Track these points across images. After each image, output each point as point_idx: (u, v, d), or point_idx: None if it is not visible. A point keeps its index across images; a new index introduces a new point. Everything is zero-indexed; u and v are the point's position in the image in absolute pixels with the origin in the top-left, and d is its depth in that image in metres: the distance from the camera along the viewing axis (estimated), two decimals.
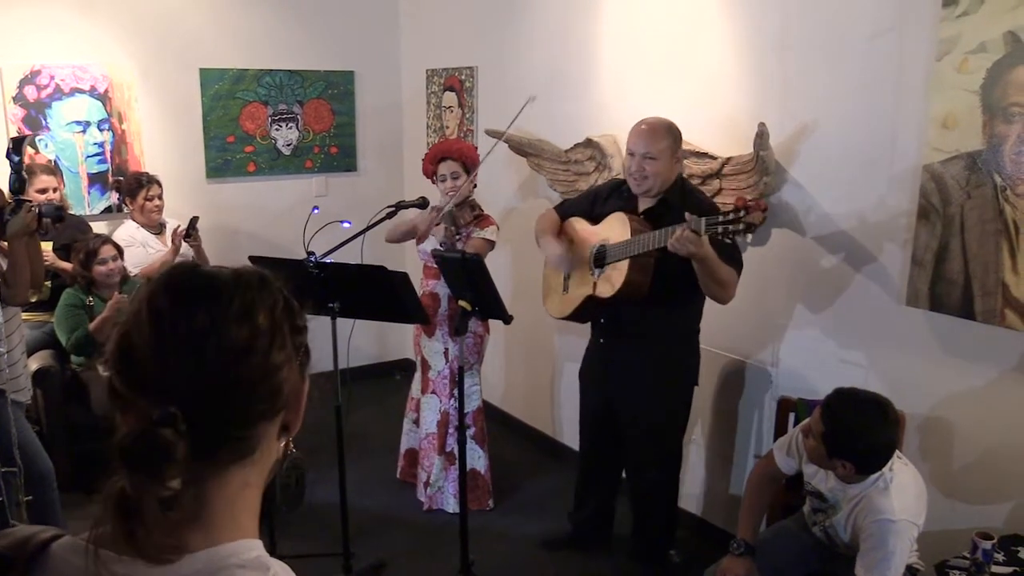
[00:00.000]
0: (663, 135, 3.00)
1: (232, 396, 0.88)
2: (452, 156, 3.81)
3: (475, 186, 3.91)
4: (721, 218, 2.66)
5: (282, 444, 0.98)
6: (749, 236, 2.63)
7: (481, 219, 3.85)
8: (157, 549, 0.86)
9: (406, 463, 4.26)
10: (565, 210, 3.43)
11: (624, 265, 2.98)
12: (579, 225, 3.30)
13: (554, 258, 3.29)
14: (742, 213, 2.61)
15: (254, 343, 0.89)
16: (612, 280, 3.03)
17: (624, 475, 3.55)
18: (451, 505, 3.97)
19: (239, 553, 0.90)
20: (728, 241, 2.71)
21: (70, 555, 0.92)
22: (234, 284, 0.92)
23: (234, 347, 0.88)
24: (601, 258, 3.10)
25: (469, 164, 3.82)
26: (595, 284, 3.12)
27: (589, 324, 3.41)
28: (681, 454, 3.39)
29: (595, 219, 3.24)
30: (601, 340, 3.33)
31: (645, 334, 3.16)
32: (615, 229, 3.07)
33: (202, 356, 0.86)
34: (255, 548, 0.93)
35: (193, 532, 0.90)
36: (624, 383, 3.25)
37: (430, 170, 3.86)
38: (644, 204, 3.11)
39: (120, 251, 4.11)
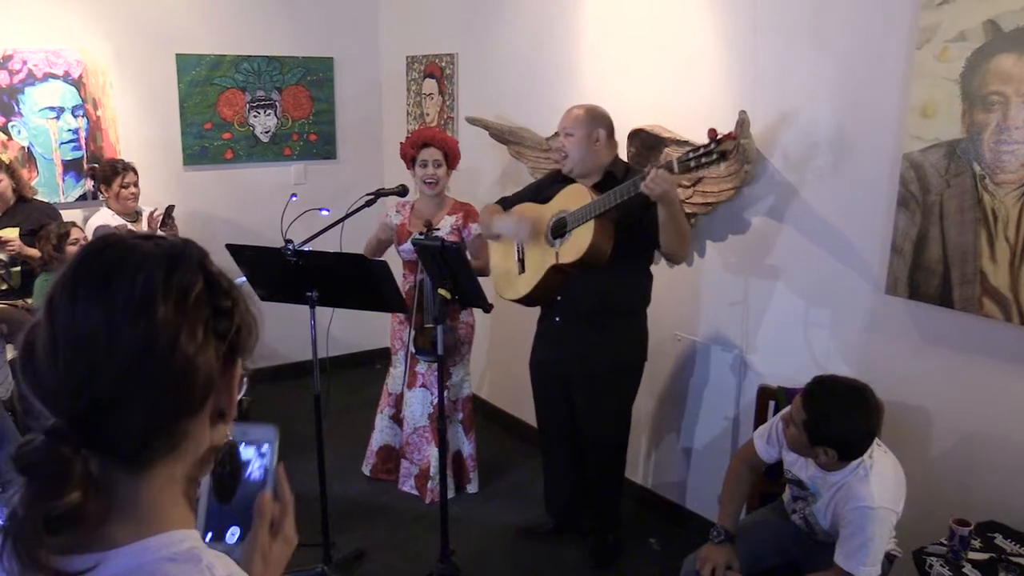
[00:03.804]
0: (580, 114, 3.16)
1: (137, 401, 0.82)
2: (436, 144, 3.78)
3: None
4: (692, 153, 2.76)
5: (219, 430, 0.93)
6: (722, 165, 2.80)
7: (459, 208, 3.86)
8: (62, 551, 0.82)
9: (379, 460, 4.16)
10: (509, 202, 3.46)
11: (589, 226, 3.00)
12: (526, 207, 3.32)
13: (510, 226, 3.23)
14: (713, 145, 2.72)
15: (153, 343, 0.81)
16: (577, 244, 3.05)
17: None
18: (450, 489, 3.95)
19: (170, 545, 0.87)
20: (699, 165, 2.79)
21: None
22: (136, 270, 0.84)
23: (129, 349, 0.81)
24: (561, 227, 3.12)
25: (451, 156, 3.81)
26: (557, 254, 3.13)
27: (538, 315, 3.44)
28: (630, 428, 3.48)
29: (542, 204, 3.29)
30: (557, 319, 3.33)
31: (601, 310, 3.20)
32: (572, 198, 3.12)
33: (95, 363, 0.80)
34: (187, 539, 0.89)
35: (117, 527, 0.86)
36: (583, 361, 3.29)
37: (410, 154, 3.82)
38: (590, 183, 3.18)
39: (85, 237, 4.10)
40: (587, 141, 3.14)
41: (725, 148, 2.72)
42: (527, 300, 3.30)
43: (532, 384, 3.62)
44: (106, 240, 0.88)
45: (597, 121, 3.15)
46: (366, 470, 4.19)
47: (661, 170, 2.77)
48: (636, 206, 2.95)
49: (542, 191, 3.34)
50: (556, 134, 3.24)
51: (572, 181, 3.21)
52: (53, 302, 0.84)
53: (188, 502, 0.93)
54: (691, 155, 2.76)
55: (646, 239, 3.09)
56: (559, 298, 3.27)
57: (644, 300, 3.32)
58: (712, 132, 2.75)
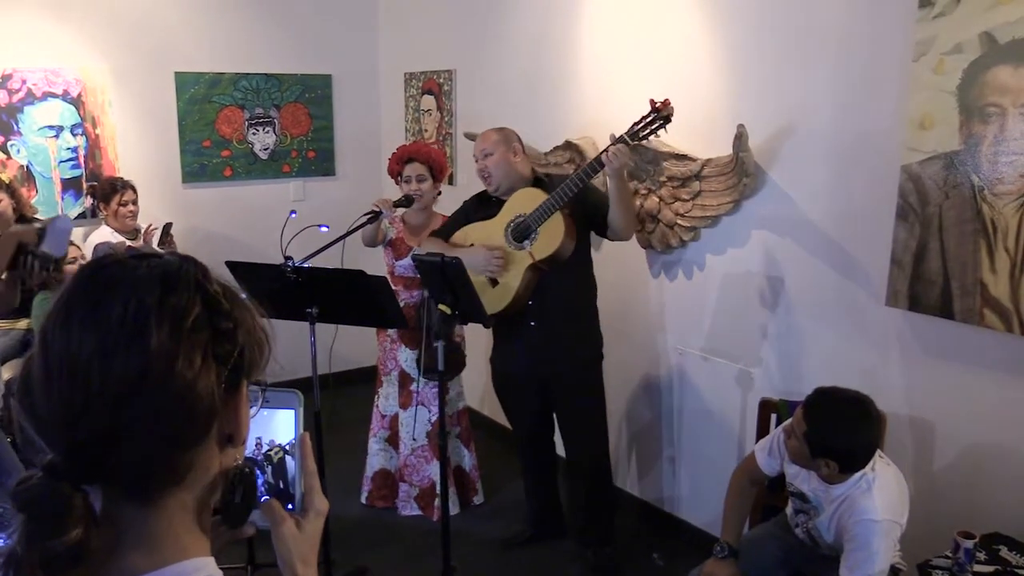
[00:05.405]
0: (491, 133, 3.37)
1: (135, 432, 0.80)
2: (419, 158, 3.78)
3: (439, 192, 3.90)
4: (638, 125, 2.99)
5: (228, 454, 0.90)
6: (665, 130, 3.00)
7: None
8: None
9: (375, 487, 4.08)
10: (444, 232, 3.51)
11: (557, 218, 3.13)
12: (472, 228, 3.41)
13: (479, 261, 3.25)
14: (653, 114, 2.95)
15: (149, 371, 0.78)
16: (550, 238, 3.15)
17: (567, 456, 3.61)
18: (455, 505, 3.96)
19: (186, 574, 0.85)
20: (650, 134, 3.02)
21: None
22: (129, 294, 0.81)
23: (124, 378, 0.78)
24: (524, 229, 3.21)
25: (437, 169, 3.80)
26: (531, 253, 3.20)
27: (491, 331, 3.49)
28: (607, 428, 3.57)
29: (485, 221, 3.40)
30: (532, 323, 3.35)
31: (570, 309, 3.33)
32: (526, 202, 3.23)
33: (89, 393, 0.78)
34: (203, 567, 0.87)
35: (130, 557, 0.84)
36: (563, 361, 3.36)
37: (395, 170, 3.82)
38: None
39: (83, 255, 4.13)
40: (508, 155, 3.31)
41: (668, 113, 2.94)
42: (508, 310, 3.30)
43: (501, 399, 3.67)
44: (100, 262, 0.85)
45: (511, 138, 3.36)
46: (362, 498, 4.10)
47: (619, 145, 2.96)
48: (583, 199, 3.12)
49: (473, 214, 3.44)
50: (476, 160, 3.39)
51: (499, 202, 3.31)
52: (47, 331, 0.81)
53: (203, 528, 0.90)
54: (638, 127, 2.99)
55: (589, 240, 3.29)
56: (530, 303, 3.31)
57: (594, 298, 3.46)
58: (652, 102, 2.97)
